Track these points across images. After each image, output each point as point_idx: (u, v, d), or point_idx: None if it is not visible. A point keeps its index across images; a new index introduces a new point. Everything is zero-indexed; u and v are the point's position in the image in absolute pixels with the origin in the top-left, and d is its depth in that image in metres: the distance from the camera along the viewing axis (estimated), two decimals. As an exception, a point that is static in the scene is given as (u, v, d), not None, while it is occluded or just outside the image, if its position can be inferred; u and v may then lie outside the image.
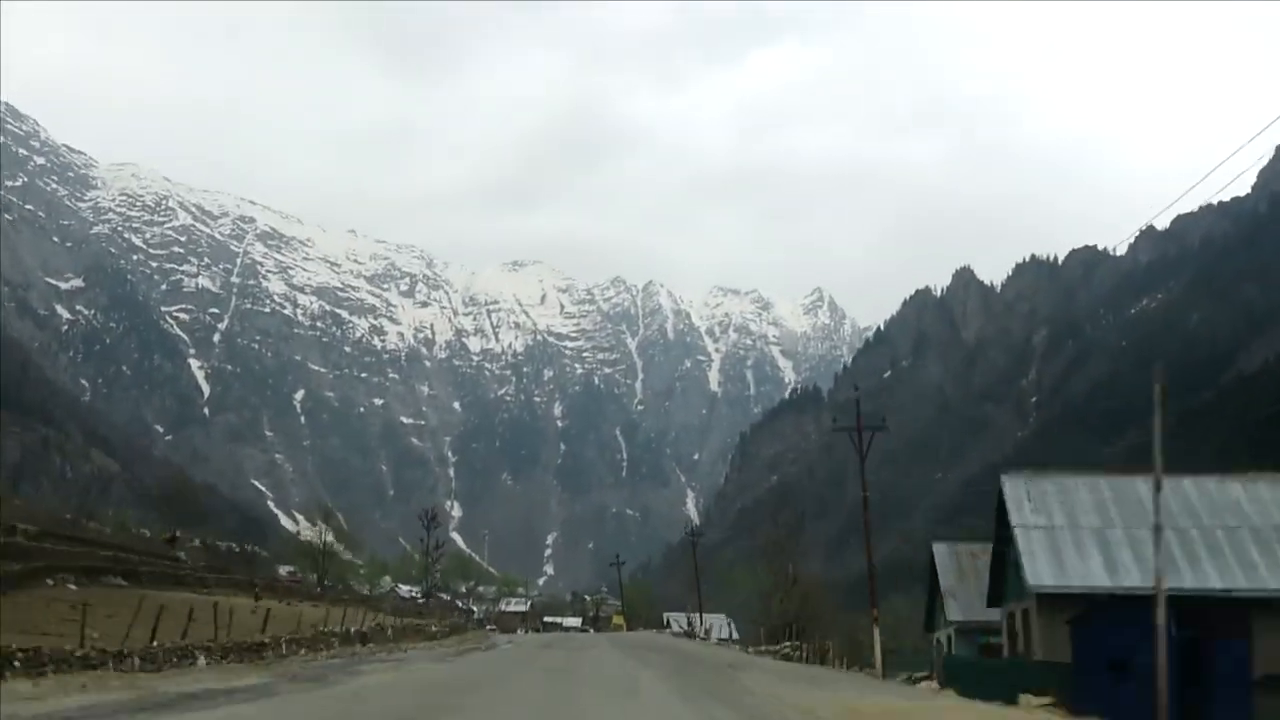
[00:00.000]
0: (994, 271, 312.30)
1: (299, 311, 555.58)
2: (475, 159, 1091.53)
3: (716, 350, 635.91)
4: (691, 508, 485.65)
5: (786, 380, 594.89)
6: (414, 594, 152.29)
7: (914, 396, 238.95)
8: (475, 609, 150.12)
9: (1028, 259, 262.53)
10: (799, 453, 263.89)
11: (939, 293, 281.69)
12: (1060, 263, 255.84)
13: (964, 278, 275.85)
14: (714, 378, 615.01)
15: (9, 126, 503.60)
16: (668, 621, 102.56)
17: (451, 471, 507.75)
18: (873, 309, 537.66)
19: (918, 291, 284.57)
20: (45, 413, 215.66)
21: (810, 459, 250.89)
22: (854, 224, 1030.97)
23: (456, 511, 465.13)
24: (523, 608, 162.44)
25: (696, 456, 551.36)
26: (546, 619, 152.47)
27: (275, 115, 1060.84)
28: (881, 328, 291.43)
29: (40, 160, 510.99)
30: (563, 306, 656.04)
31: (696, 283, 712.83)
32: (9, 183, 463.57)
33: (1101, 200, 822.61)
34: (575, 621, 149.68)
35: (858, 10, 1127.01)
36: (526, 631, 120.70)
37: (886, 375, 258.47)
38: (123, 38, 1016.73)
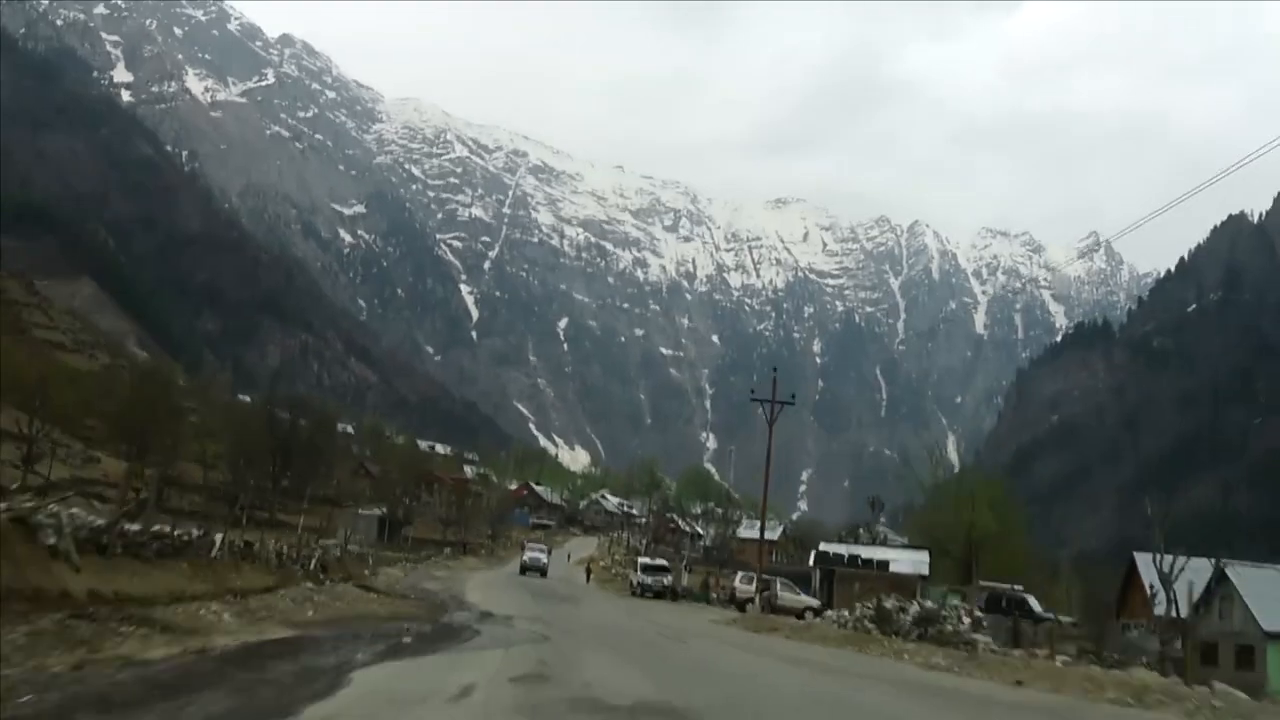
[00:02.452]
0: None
1: (565, 243, 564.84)
2: (744, 108, 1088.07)
3: (983, 292, 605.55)
4: (952, 451, 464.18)
5: (1058, 325, 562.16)
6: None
7: (1224, 333, 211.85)
8: (702, 532, 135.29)
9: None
10: (1085, 391, 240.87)
11: (1256, 218, 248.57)
12: None
13: None
14: (979, 320, 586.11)
15: (304, 63, 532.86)
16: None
17: (708, 404, 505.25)
18: (1153, 254, 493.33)
19: (1230, 218, 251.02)
20: (305, 321, 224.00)
21: (1098, 399, 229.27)
22: (1132, 171, 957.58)
23: (711, 443, 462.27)
24: (770, 535, 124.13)
25: (959, 399, 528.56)
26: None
27: (554, 61, 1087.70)
28: (1185, 257, 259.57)
29: (331, 94, 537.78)
30: (825, 244, 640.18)
31: (963, 225, 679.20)
32: (300, 113, 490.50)
33: None
34: None
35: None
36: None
37: (1190, 310, 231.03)
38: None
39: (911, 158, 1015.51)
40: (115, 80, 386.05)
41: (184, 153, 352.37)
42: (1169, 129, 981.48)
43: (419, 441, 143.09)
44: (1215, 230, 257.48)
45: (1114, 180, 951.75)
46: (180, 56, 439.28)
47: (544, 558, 67.11)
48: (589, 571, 72.48)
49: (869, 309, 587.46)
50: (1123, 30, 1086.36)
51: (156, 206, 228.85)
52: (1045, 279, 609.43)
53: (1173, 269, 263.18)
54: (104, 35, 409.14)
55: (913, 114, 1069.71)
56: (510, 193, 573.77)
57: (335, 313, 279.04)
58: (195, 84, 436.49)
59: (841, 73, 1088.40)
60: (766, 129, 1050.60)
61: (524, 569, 64.20)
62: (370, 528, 79.90)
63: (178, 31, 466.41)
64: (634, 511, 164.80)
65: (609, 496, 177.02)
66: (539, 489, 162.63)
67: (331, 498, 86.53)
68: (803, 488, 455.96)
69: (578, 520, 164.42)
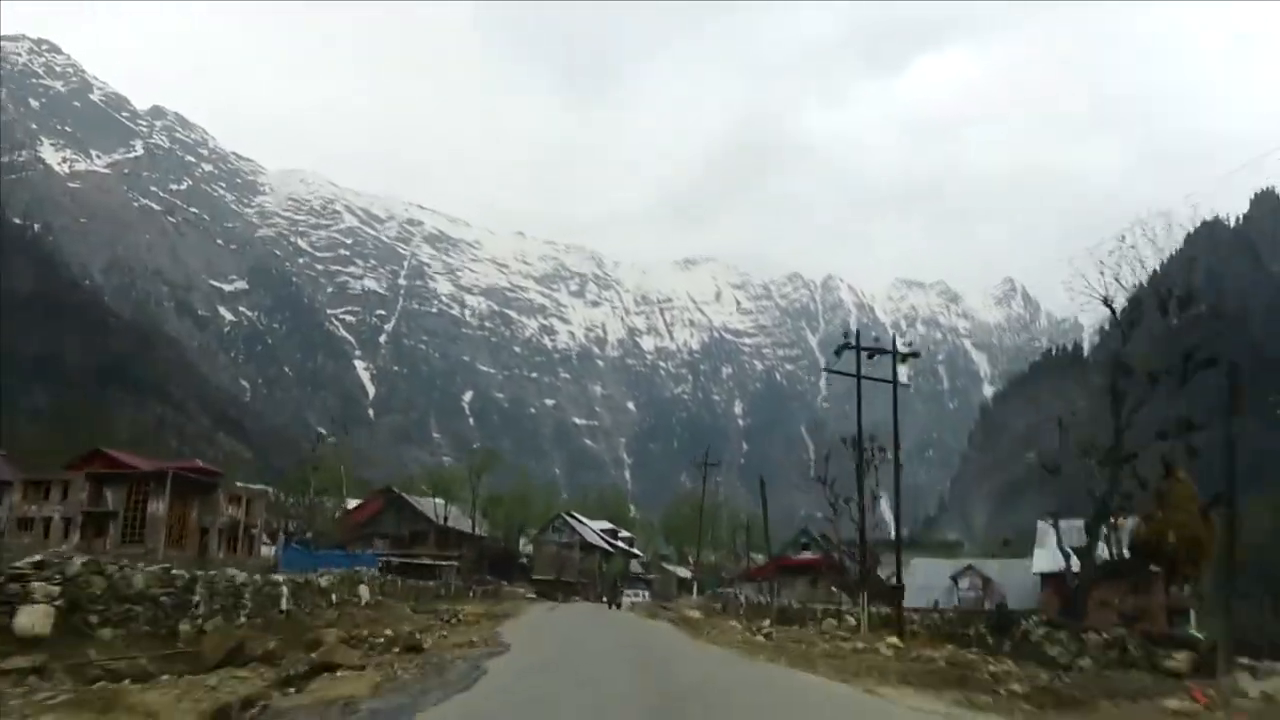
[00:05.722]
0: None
1: (467, 312, 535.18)
2: (643, 176, 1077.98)
3: (905, 344, 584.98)
4: (886, 508, 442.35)
5: (982, 373, 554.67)
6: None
7: (1212, 347, 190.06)
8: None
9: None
10: (1063, 423, 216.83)
11: (1234, 223, 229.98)
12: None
13: (1270, 203, 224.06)
14: (903, 372, 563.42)
15: (177, 134, 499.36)
16: None
17: (628, 474, 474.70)
18: (1068, 299, 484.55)
19: (1204, 224, 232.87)
20: (163, 393, 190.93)
21: (1082, 429, 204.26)
22: (1034, 218, 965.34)
23: (633, 515, 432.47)
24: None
25: (888, 454, 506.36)
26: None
27: (447, 130, 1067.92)
28: (1157, 269, 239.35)
29: (207, 167, 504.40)
30: (739, 303, 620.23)
31: (878, 277, 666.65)
32: (173, 185, 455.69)
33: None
34: None
35: (1024, 11, 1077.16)
36: None
37: (1174, 324, 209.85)
38: (299, 52, 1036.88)
39: (818, 218, 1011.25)
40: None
41: (35, 225, 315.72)
42: (1062, 179, 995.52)
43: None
44: (1189, 238, 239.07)
45: (1018, 227, 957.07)
46: (34, 126, 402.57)
47: None
48: None
49: (789, 366, 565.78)
50: (1004, 88, 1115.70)
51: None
52: (965, 328, 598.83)
53: (1144, 283, 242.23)
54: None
55: (813, 177, 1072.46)
56: (405, 263, 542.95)
57: (201, 384, 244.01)
58: (51, 154, 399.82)
59: (739, 141, 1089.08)
60: (668, 197, 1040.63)
61: None
62: None
63: (34, 103, 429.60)
64: (635, 550, 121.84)
65: (581, 519, 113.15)
66: (419, 501, 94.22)
67: None
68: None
69: (519, 566, 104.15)
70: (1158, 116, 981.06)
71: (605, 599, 76.01)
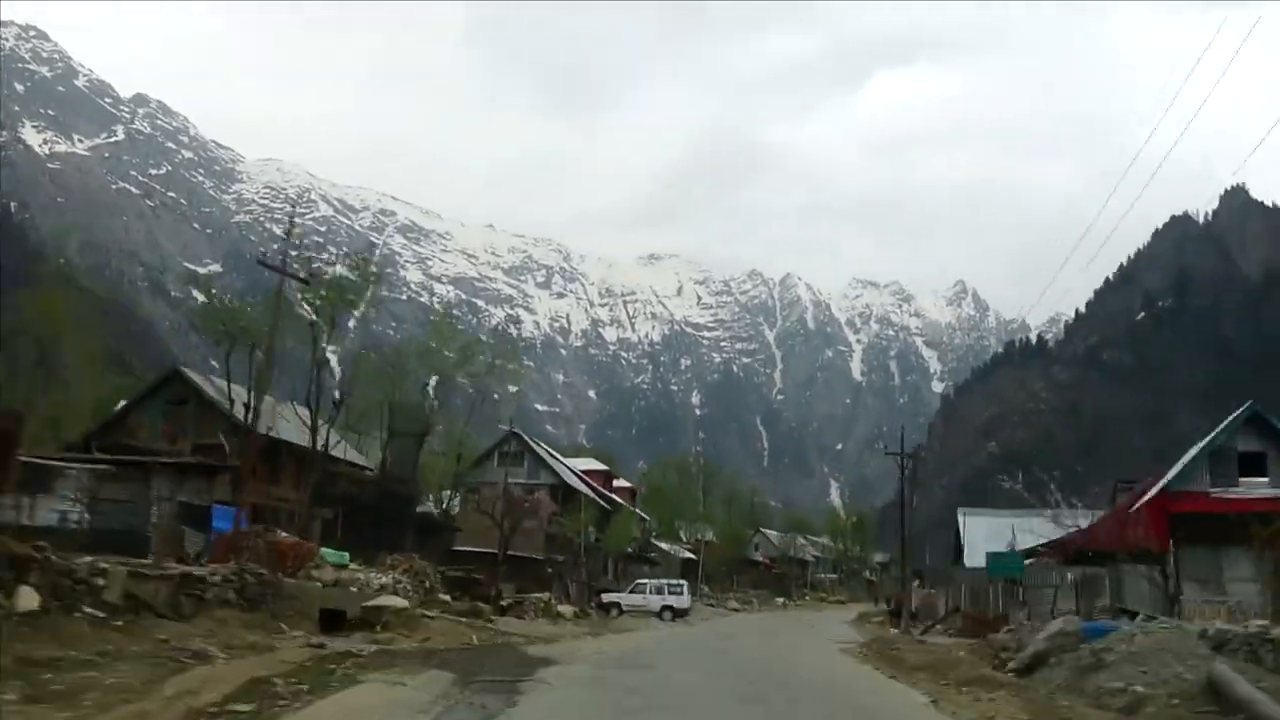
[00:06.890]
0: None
1: (435, 300, 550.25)
2: (613, 185, 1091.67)
3: (858, 341, 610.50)
4: (836, 498, 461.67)
5: (932, 370, 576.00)
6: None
7: (1182, 341, 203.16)
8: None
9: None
10: (1025, 414, 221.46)
11: (1203, 219, 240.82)
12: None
13: (1236, 199, 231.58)
14: (856, 368, 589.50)
15: (159, 121, 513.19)
16: None
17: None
18: (1015, 302, 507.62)
19: (1174, 219, 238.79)
20: (128, 368, 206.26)
21: (1045, 420, 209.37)
22: (985, 227, 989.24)
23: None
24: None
25: (840, 446, 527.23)
26: None
27: (427, 130, 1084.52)
28: (1125, 263, 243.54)
29: (188, 154, 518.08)
30: (699, 298, 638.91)
31: (834, 276, 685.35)
32: (153, 170, 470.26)
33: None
34: None
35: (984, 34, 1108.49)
36: None
37: (1140, 318, 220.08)
38: (284, 49, 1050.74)
39: (780, 223, 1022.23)
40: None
41: (13, 203, 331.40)
42: (1016, 193, 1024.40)
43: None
44: (1157, 234, 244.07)
45: (971, 235, 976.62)
46: (17, 108, 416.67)
47: None
48: None
49: (746, 360, 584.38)
50: (961, 106, 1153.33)
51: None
52: (917, 326, 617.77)
53: (1111, 277, 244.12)
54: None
55: (777, 186, 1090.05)
56: (377, 252, 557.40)
57: (169, 361, 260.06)
58: (33, 136, 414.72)
59: (707, 150, 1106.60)
60: (637, 199, 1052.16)
61: None
62: None
63: (19, 87, 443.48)
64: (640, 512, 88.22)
65: (551, 451, 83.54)
66: (215, 382, 51.21)
67: None
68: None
69: (422, 524, 53.00)
70: (1109, 134, 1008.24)
71: (603, 603, 50.39)
